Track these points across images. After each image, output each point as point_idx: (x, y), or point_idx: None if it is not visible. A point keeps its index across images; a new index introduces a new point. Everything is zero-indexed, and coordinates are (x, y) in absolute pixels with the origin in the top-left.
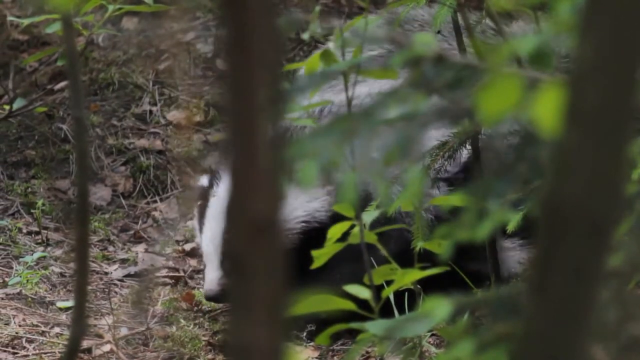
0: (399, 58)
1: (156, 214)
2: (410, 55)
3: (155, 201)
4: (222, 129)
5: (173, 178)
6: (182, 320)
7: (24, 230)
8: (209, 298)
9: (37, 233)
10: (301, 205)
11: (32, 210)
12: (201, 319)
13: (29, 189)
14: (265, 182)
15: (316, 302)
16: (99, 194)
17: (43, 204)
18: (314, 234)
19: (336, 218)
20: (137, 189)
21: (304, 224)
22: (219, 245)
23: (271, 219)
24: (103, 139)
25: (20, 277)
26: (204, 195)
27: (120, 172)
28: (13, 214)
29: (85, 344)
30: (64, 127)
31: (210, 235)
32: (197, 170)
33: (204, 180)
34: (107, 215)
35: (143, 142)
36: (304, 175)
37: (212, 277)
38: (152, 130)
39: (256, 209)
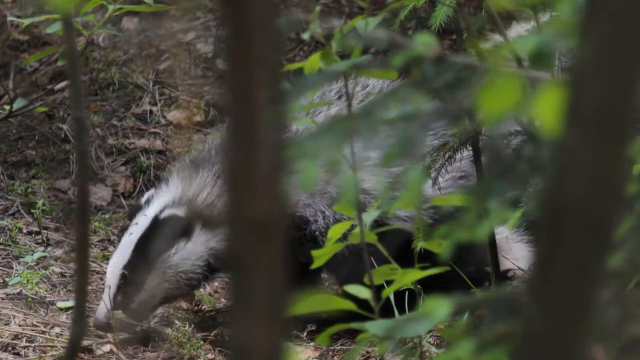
0: (399, 58)
1: None
2: (411, 55)
3: None
4: (222, 128)
5: None
6: (177, 322)
7: (24, 230)
8: (95, 326)
9: (38, 233)
10: (207, 252)
11: (33, 210)
12: (201, 319)
13: (29, 189)
14: (265, 182)
15: (316, 302)
16: (100, 194)
17: (43, 204)
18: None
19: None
20: (138, 188)
21: (206, 268)
22: (117, 277)
23: (271, 219)
24: (103, 139)
25: (21, 277)
26: (135, 212)
27: (120, 172)
28: (13, 214)
29: (86, 343)
30: (64, 127)
31: (114, 264)
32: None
33: (145, 196)
34: (107, 215)
35: (143, 142)
36: (304, 176)
37: (102, 306)
38: (153, 130)
39: (256, 209)
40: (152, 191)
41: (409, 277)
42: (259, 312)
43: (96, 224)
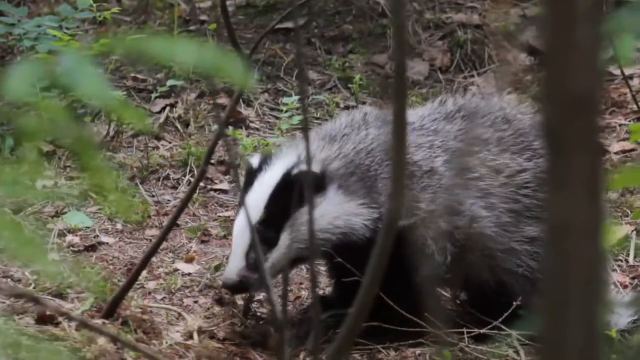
0: None
1: (473, 88)
2: None
3: (473, 75)
4: (539, 2)
5: (490, 52)
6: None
7: (342, 105)
8: (226, 287)
9: (354, 107)
10: (343, 215)
11: (350, 85)
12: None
13: (347, 64)
14: (583, 56)
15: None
16: (417, 68)
17: (360, 79)
18: (350, 248)
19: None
20: (455, 63)
21: (340, 236)
22: (248, 236)
23: (589, 93)
24: (420, 13)
25: None
26: (251, 175)
27: (437, 46)
28: (330, 89)
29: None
30: (382, 1)
31: (241, 223)
32: (515, 45)
33: (254, 160)
34: (424, 90)
35: (460, 17)
36: (621, 50)
37: (233, 266)
38: (470, 4)
39: (574, 83)
40: (259, 155)
41: None
42: (577, 187)
43: (413, 98)
